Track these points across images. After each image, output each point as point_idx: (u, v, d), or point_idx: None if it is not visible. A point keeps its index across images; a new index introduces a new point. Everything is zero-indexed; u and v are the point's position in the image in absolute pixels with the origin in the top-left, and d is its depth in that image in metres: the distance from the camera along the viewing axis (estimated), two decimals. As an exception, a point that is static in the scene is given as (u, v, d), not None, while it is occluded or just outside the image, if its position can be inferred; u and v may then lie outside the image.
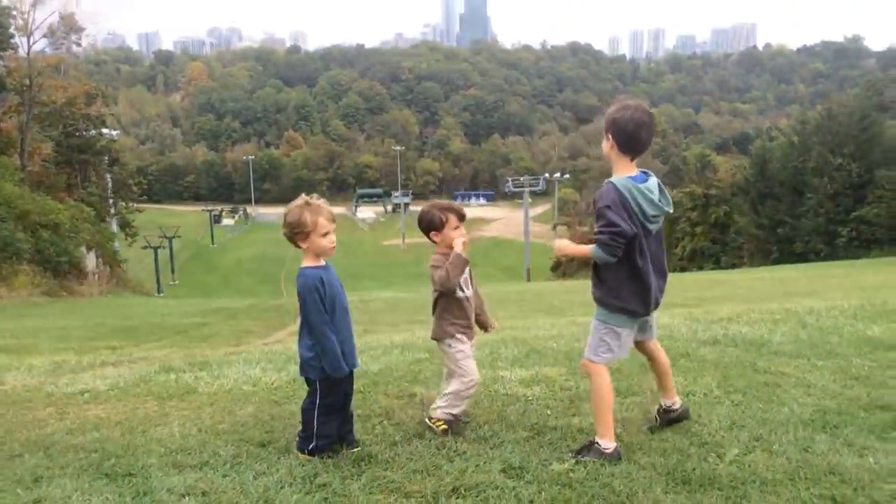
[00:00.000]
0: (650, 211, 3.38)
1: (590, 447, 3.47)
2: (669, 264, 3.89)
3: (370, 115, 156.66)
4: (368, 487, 3.19)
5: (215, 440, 3.91)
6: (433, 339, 4.00)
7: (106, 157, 43.79)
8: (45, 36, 39.39)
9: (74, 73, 47.54)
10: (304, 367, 3.60)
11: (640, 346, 3.75)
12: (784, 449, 3.42)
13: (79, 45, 44.58)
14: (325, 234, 3.50)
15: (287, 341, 10.28)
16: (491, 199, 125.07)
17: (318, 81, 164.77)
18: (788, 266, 36.95)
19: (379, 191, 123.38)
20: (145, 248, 52.83)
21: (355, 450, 3.62)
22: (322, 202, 3.55)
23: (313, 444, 3.57)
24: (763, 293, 16.64)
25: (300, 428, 3.67)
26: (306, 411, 3.62)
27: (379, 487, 3.19)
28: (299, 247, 3.55)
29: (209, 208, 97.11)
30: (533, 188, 66.99)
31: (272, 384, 5.22)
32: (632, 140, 3.43)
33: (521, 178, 70.40)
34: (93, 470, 3.53)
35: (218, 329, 15.83)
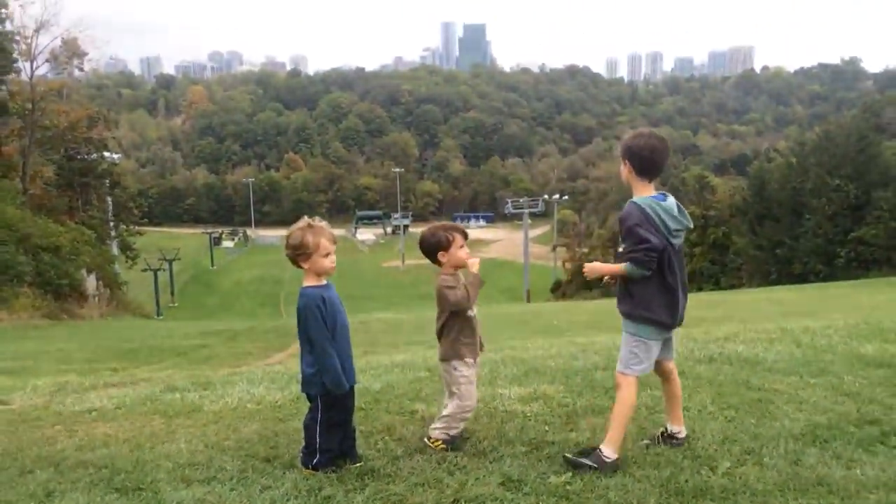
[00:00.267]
0: (673, 225, 3.61)
1: (591, 451, 3.61)
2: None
3: (370, 137, 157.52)
4: (371, 500, 3.29)
5: (222, 456, 4.01)
6: (441, 359, 4.06)
7: (107, 181, 44.02)
8: (47, 61, 39.75)
9: (76, 97, 48.00)
10: (306, 383, 3.71)
11: (658, 365, 3.86)
12: (775, 462, 3.53)
13: (81, 69, 44.96)
14: (327, 255, 3.63)
15: (287, 362, 10.36)
16: (490, 220, 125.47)
17: (319, 104, 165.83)
18: (787, 287, 37.05)
19: (379, 213, 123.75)
20: (145, 270, 52.90)
21: (358, 464, 3.72)
22: (324, 224, 3.68)
23: (317, 458, 3.67)
24: (761, 313, 16.73)
25: (304, 444, 3.77)
26: (308, 427, 3.73)
27: (381, 500, 3.29)
28: (301, 267, 3.67)
29: (209, 231, 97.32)
30: (532, 210, 67.26)
31: (276, 402, 5.32)
32: (648, 164, 3.67)
33: (521, 200, 70.62)
34: (103, 485, 3.64)
35: (218, 351, 15.90)
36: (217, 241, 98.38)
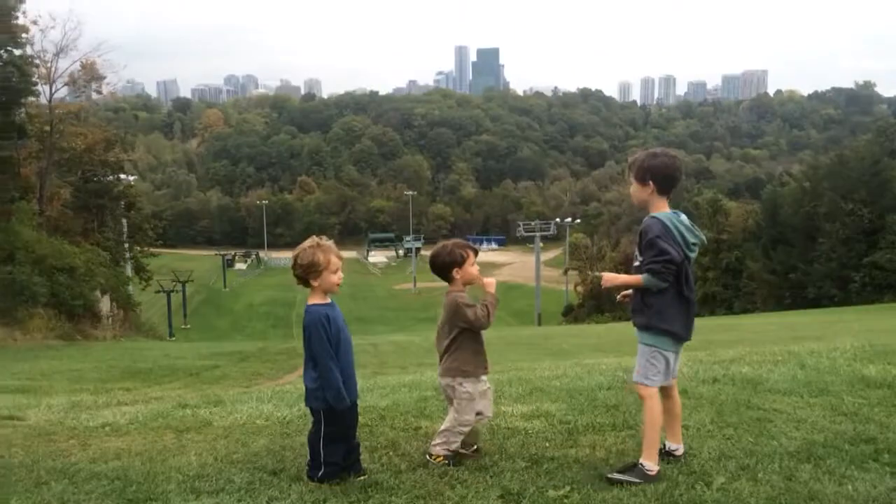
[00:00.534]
0: (691, 239, 3.76)
1: (633, 468, 3.71)
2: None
3: (383, 160, 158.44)
4: (374, 511, 3.39)
5: (230, 468, 4.13)
6: (444, 376, 4.14)
7: (122, 202, 44.49)
8: (66, 84, 40.27)
9: (94, 120, 48.47)
10: (309, 397, 3.86)
11: None
12: (769, 478, 3.60)
13: (99, 92, 45.41)
14: (336, 272, 3.78)
15: (297, 382, 10.46)
16: (502, 243, 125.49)
17: (332, 127, 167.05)
18: (800, 311, 36.88)
19: (391, 235, 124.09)
20: (158, 292, 53.27)
21: (362, 477, 3.82)
22: (330, 243, 3.84)
23: (322, 471, 3.79)
24: (772, 337, 16.69)
25: (308, 457, 3.89)
26: (312, 441, 3.87)
27: (384, 511, 3.39)
28: (310, 285, 3.81)
29: (222, 252, 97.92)
30: (544, 233, 67.39)
31: (284, 419, 5.44)
32: (668, 180, 3.83)
33: (533, 223, 70.77)
34: (116, 495, 3.76)
35: (229, 371, 16.07)
36: (230, 263, 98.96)
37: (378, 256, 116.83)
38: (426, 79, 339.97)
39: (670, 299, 3.74)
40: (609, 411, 5.15)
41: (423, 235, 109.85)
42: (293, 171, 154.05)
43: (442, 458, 4.04)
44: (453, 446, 4.07)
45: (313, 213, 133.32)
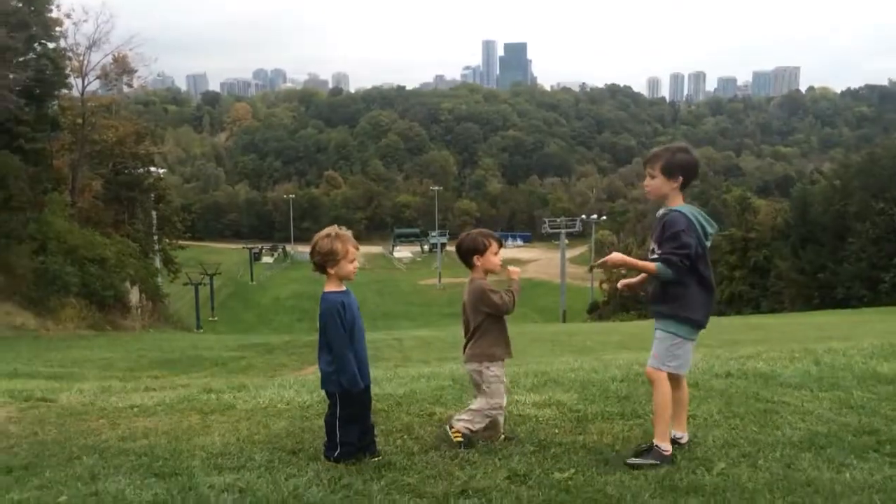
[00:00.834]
0: (709, 229, 3.95)
1: (650, 450, 3.87)
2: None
3: (409, 155, 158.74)
4: (387, 489, 3.57)
5: (252, 448, 4.35)
6: (471, 361, 4.30)
7: (152, 195, 45.14)
8: (98, 77, 40.92)
9: (125, 112, 49.17)
10: (325, 380, 4.07)
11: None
12: (769, 465, 3.72)
13: (130, 86, 46.12)
14: (353, 261, 3.96)
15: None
16: (528, 240, 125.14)
17: (359, 122, 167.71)
18: (829, 311, 36.47)
19: (416, 230, 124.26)
20: (186, 284, 53.97)
21: (376, 458, 4.01)
22: (348, 233, 4.02)
23: (338, 451, 3.99)
24: (797, 337, 16.58)
25: (326, 438, 4.09)
26: (329, 422, 4.07)
27: (396, 489, 3.56)
28: (327, 273, 3.99)
29: (249, 246, 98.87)
30: (570, 229, 67.22)
31: (304, 403, 5.64)
32: (693, 175, 4.01)
33: (558, 220, 70.58)
34: (143, 469, 3.98)
35: (254, 362, 16.37)
36: (257, 256, 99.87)
37: (403, 251, 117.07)
38: (453, 73, 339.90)
39: (696, 289, 3.90)
40: (620, 401, 5.28)
41: (448, 231, 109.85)
42: (320, 166, 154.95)
43: (460, 435, 4.19)
44: (475, 427, 4.22)
45: (340, 207, 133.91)
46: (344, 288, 4.05)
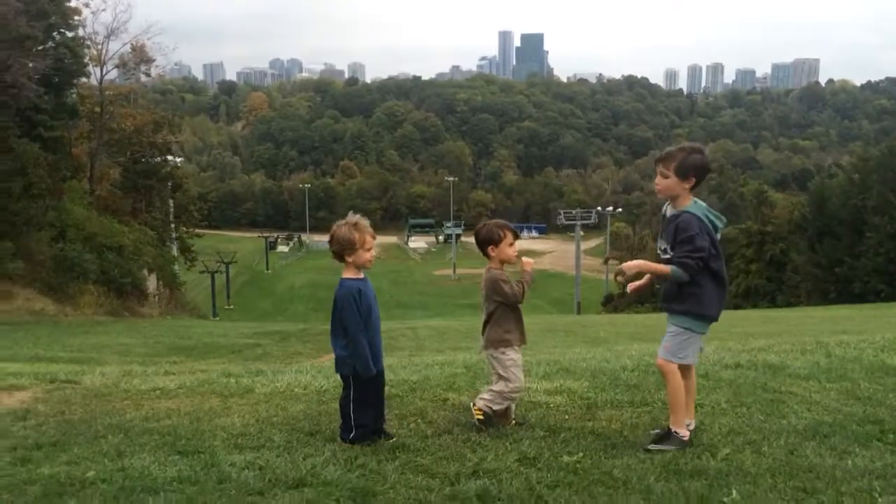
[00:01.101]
0: (718, 224, 4.07)
1: (669, 436, 4.00)
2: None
3: (424, 145, 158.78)
4: (401, 469, 3.70)
5: (270, 429, 4.51)
6: (487, 347, 4.44)
7: (169, 183, 45.50)
8: (117, 66, 41.19)
9: (143, 101, 49.55)
10: (339, 364, 4.22)
11: None
12: (772, 451, 3.82)
13: (148, 75, 46.35)
14: (369, 249, 4.09)
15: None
16: (543, 231, 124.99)
17: (375, 112, 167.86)
18: (845, 306, 36.27)
19: (431, 221, 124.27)
20: (202, 272, 54.45)
21: (391, 440, 4.15)
22: (366, 222, 4.15)
23: (353, 433, 4.14)
24: (813, 331, 16.55)
25: (341, 420, 4.24)
26: (343, 405, 4.23)
27: (410, 469, 3.70)
28: (344, 260, 4.13)
29: (265, 235, 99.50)
30: (585, 221, 67.09)
31: (321, 388, 5.80)
32: (704, 177, 4.09)
33: (574, 211, 70.41)
34: (167, 448, 4.15)
35: (270, 350, 16.55)
36: (273, 245, 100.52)
37: (418, 242, 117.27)
38: (469, 64, 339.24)
39: (712, 285, 4.00)
40: (630, 390, 5.39)
41: (463, 222, 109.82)
42: (335, 156, 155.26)
43: (481, 413, 4.34)
44: (496, 407, 4.36)
45: (355, 197, 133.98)
46: (362, 275, 4.18)
